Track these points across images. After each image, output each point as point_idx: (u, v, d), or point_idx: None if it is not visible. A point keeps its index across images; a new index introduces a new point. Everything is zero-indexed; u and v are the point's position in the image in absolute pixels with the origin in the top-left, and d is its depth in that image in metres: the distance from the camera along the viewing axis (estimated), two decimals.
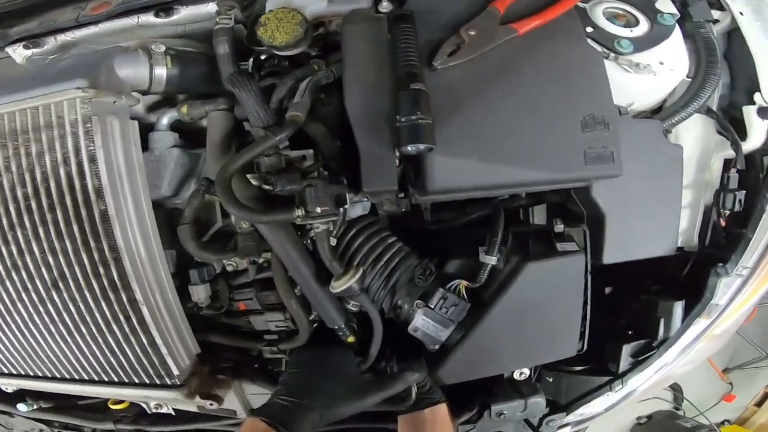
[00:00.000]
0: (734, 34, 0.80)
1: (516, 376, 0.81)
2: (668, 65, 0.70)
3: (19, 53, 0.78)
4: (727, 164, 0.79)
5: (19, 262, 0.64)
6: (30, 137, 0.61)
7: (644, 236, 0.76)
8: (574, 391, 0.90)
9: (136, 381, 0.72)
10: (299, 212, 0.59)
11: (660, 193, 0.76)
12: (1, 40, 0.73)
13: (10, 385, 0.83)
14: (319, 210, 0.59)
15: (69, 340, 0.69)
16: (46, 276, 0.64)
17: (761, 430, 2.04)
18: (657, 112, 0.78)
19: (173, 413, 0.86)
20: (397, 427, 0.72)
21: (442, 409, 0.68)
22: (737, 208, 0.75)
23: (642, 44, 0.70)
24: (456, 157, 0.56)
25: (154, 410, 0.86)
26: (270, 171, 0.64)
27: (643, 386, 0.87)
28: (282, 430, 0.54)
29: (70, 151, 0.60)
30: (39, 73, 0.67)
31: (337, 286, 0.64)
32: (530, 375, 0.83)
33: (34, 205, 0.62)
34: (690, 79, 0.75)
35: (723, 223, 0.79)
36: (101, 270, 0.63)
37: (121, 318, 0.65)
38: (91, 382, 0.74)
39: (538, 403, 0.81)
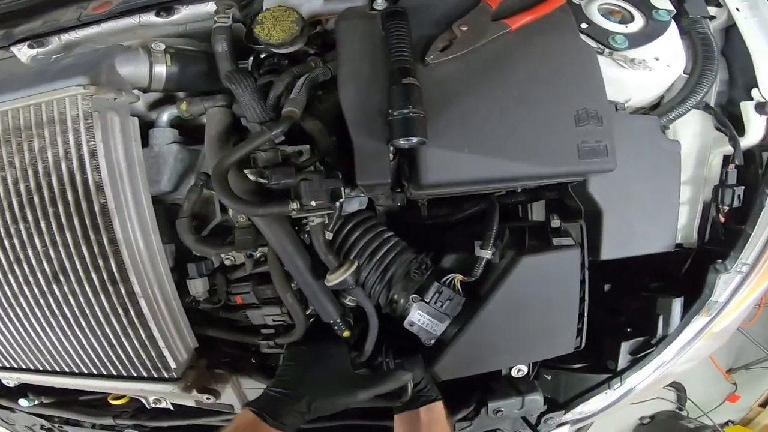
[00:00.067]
0: (732, 30, 0.80)
1: (514, 373, 0.81)
2: (664, 61, 0.70)
3: (24, 52, 0.80)
4: (726, 160, 0.79)
5: (22, 256, 0.66)
6: (33, 133, 0.63)
7: (642, 232, 0.76)
8: (573, 389, 0.90)
9: (134, 374, 0.73)
10: (294, 205, 0.60)
11: (658, 189, 0.75)
12: (6, 39, 0.75)
13: (11, 379, 0.85)
14: (313, 203, 0.60)
15: (69, 333, 0.70)
16: (47, 269, 0.66)
17: (766, 431, 2.01)
18: (655, 108, 0.78)
19: (172, 408, 0.87)
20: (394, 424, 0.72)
21: (438, 407, 0.68)
22: (736, 203, 0.75)
23: (637, 40, 0.70)
24: (448, 150, 0.57)
25: (153, 405, 0.87)
26: (267, 166, 0.65)
27: (642, 384, 0.86)
28: (268, 419, 0.56)
29: (71, 146, 0.61)
30: (42, 71, 0.69)
31: (332, 279, 0.65)
32: (528, 372, 0.82)
33: (36, 199, 0.64)
34: (687, 75, 0.75)
35: (722, 219, 0.78)
36: (101, 263, 0.64)
37: (120, 311, 0.66)
38: (90, 375, 0.75)
39: (536, 400, 0.80)
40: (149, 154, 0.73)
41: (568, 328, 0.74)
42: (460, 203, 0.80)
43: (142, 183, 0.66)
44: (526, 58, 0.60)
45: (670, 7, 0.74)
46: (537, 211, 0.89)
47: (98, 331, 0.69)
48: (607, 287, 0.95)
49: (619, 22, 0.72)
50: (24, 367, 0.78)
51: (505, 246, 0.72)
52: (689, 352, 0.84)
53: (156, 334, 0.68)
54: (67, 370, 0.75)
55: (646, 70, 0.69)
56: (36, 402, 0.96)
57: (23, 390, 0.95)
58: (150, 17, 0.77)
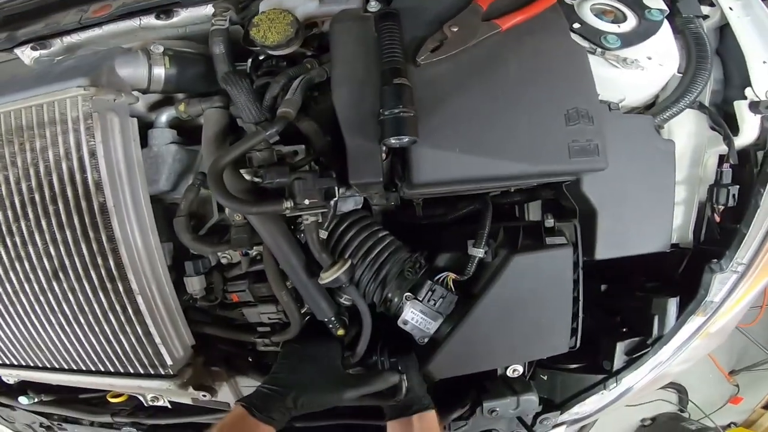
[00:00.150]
0: (726, 29, 0.80)
1: (509, 373, 0.81)
2: (657, 60, 0.71)
3: (27, 54, 0.82)
4: (721, 159, 0.79)
5: (23, 253, 0.67)
6: (35, 133, 0.64)
7: (637, 232, 0.76)
8: (569, 389, 0.89)
9: (132, 371, 0.74)
10: (288, 204, 0.60)
11: (653, 188, 0.76)
12: (9, 42, 0.77)
13: (11, 376, 0.86)
14: (307, 202, 0.61)
15: (68, 329, 0.71)
16: (47, 266, 0.67)
17: None
18: (650, 108, 0.79)
19: (169, 406, 0.88)
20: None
21: (431, 415, 0.69)
22: (731, 203, 0.75)
23: (629, 39, 0.70)
24: (440, 149, 0.57)
25: (151, 403, 0.88)
26: (262, 165, 0.66)
27: (639, 384, 0.86)
28: (256, 412, 0.58)
29: (71, 146, 0.63)
30: (44, 72, 0.70)
31: (326, 277, 0.66)
32: (524, 372, 0.82)
33: (37, 198, 0.65)
34: (681, 75, 0.75)
35: (717, 219, 0.78)
36: (99, 260, 0.65)
37: (118, 308, 0.67)
38: (89, 372, 0.76)
39: (531, 400, 0.80)
40: (148, 154, 0.74)
41: (562, 328, 0.74)
42: (454, 203, 0.80)
43: (141, 182, 0.68)
44: (516, 58, 0.60)
45: (663, 6, 0.75)
46: (533, 211, 0.90)
47: (96, 328, 0.70)
48: (603, 287, 0.94)
49: (612, 22, 0.72)
50: (23, 364, 0.79)
51: (499, 245, 0.72)
52: (686, 352, 0.84)
53: (153, 331, 0.69)
54: (66, 367, 0.76)
55: (639, 69, 0.69)
56: (36, 400, 0.97)
57: (23, 388, 0.96)
58: (150, 20, 0.78)
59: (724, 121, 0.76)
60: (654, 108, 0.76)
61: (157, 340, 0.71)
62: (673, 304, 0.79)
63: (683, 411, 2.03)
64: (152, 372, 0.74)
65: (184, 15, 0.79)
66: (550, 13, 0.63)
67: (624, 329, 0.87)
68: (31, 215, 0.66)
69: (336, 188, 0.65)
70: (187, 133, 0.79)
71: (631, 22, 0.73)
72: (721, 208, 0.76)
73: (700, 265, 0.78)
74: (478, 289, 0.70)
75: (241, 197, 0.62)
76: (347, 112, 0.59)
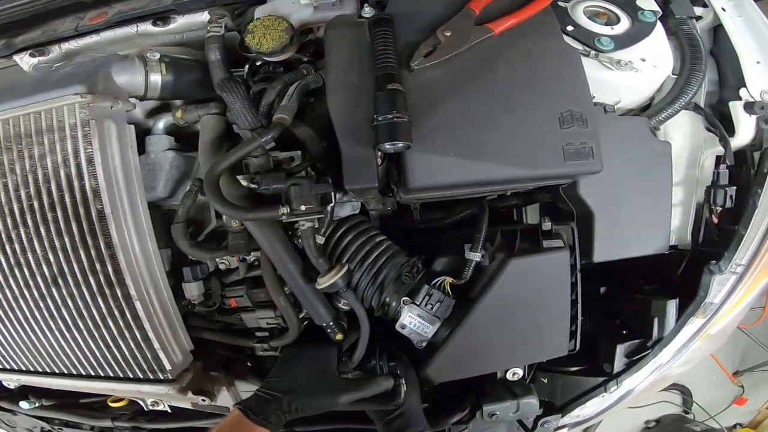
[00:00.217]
0: (719, 30, 0.80)
1: (509, 376, 0.81)
2: (651, 62, 0.71)
3: (26, 61, 0.83)
4: (718, 161, 0.79)
5: (22, 260, 0.68)
6: (33, 140, 0.65)
7: (635, 234, 0.75)
8: (569, 392, 0.89)
9: (131, 376, 0.74)
10: (284, 210, 0.61)
11: (650, 190, 0.75)
12: (7, 49, 0.78)
13: (11, 381, 0.86)
14: (303, 208, 0.61)
15: (67, 335, 0.71)
16: (46, 272, 0.67)
17: None
18: (646, 110, 0.79)
19: (169, 411, 0.88)
20: None
21: None
22: (728, 204, 0.74)
23: (623, 41, 0.71)
24: (434, 154, 0.58)
25: (151, 407, 0.89)
26: (258, 171, 0.67)
27: (640, 387, 0.86)
28: (252, 416, 0.59)
29: (69, 153, 0.63)
30: (42, 79, 0.71)
31: (323, 282, 0.66)
32: (524, 375, 0.82)
33: (36, 205, 0.65)
34: (675, 76, 0.75)
35: (715, 220, 0.78)
36: (98, 266, 0.66)
37: (116, 313, 0.68)
38: (88, 377, 0.76)
39: (531, 404, 0.80)
40: (146, 160, 0.75)
41: (561, 331, 0.74)
42: (451, 207, 0.80)
43: (139, 189, 0.68)
44: (509, 61, 0.61)
45: (656, 8, 0.75)
46: (531, 215, 0.90)
47: (95, 333, 0.70)
48: (602, 290, 0.94)
49: (605, 24, 0.73)
50: (24, 368, 0.80)
51: (496, 249, 0.72)
52: (686, 354, 0.83)
53: (151, 336, 0.70)
54: (66, 372, 0.77)
55: (633, 71, 0.69)
56: (36, 404, 0.98)
57: (24, 392, 0.97)
58: (147, 27, 0.79)
59: (720, 122, 0.76)
60: (649, 110, 0.76)
61: (156, 345, 0.71)
62: (672, 306, 0.79)
63: (688, 412, 2.01)
64: (151, 377, 0.74)
65: (180, 22, 0.79)
66: (543, 16, 0.64)
67: (624, 332, 0.86)
68: (30, 222, 0.66)
69: (332, 194, 0.65)
70: (184, 139, 0.80)
71: (624, 24, 0.73)
72: (719, 209, 0.75)
73: (699, 266, 0.78)
74: (475, 293, 0.70)
75: (237, 203, 0.62)
76: (342, 118, 0.59)
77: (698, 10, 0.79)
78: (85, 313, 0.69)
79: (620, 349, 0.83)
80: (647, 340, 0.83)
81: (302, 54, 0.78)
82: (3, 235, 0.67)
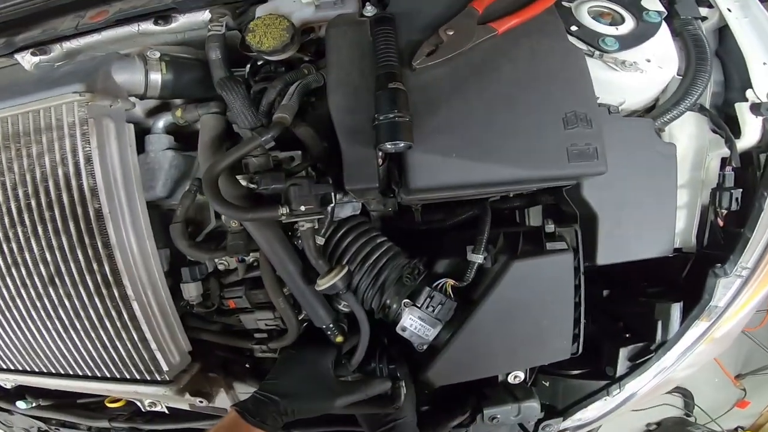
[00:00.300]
0: (725, 31, 0.79)
1: (510, 379, 0.80)
2: (656, 63, 0.70)
3: (27, 60, 0.82)
4: (724, 162, 0.78)
5: (19, 259, 0.67)
6: (31, 139, 0.64)
7: (639, 237, 0.75)
8: (571, 395, 0.88)
9: (128, 376, 0.73)
10: (284, 210, 0.60)
11: (654, 192, 0.75)
12: (8, 47, 0.77)
13: (8, 381, 0.86)
14: (303, 208, 0.60)
15: (64, 335, 0.71)
16: (43, 272, 0.67)
17: None
18: (650, 111, 0.78)
19: (167, 412, 0.87)
20: None
21: None
22: (734, 206, 0.74)
23: (628, 42, 0.70)
24: (436, 155, 0.57)
25: (149, 408, 0.88)
26: (258, 171, 0.66)
27: (643, 390, 0.85)
28: (249, 417, 0.58)
29: (67, 152, 0.63)
30: (41, 78, 0.71)
31: (322, 284, 0.65)
32: (525, 378, 0.81)
33: (33, 204, 0.65)
34: (681, 77, 0.75)
35: (720, 223, 0.77)
36: (95, 266, 0.65)
37: (113, 313, 0.67)
38: (85, 377, 0.75)
39: (533, 407, 0.79)
40: (145, 160, 0.74)
41: (564, 334, 0.73)
42: (453, 208, 0.79)
43: (137, 188, 0.68)
44: (513, 61, 0.60)
45: (661, 8, 0.74)
46: (534, 216, 0.89)
47: (92, 334, 0.70)
48: (605, 292, 0.93)
49: (610, 24, 0.72)
50: (20, 368, 0.79)
51: (499, 251, 0.72)
52: (690, 357, 0.82)
53: (148, 336, 0.69)
54: (63, 372, 0.76)
55: (638, 72, 0.69)
56: (34, 404, 0.97)
57: (21, 392, 0.96)
58: (149, 25, 0.79)
59: (726, 123, 0.75)
60: (654, 111, 0.75)
61: (153, 345, 0.70)
62: (676, 309, 0.78)
63: (689, 415, 2.00)
64: (148, 378, 0.74)
65: (182, 20, 0.79)
66: (547, 16, 0.63)
67: (627, 335, 0.85)
68: (27, 221, 0.66)
69: (333, 194, 0.64)
70: (184, 138, 0.79)
71: (629, 24, 0.73)
72: (725, 211, 0.74)
73: (704, 269, 0.77)
74: (477, 296, 0.70)
75: (236, 203, 0.62)
76: (342, 118, 0.58)
77: (703, 11, 0.79)
78: (82, 313, 0.68)
79: (623, 353, 0.82)
80: (651, 344, 0.82)
81: (304, 53, 0.77)
82: (0, 234, 0.66)
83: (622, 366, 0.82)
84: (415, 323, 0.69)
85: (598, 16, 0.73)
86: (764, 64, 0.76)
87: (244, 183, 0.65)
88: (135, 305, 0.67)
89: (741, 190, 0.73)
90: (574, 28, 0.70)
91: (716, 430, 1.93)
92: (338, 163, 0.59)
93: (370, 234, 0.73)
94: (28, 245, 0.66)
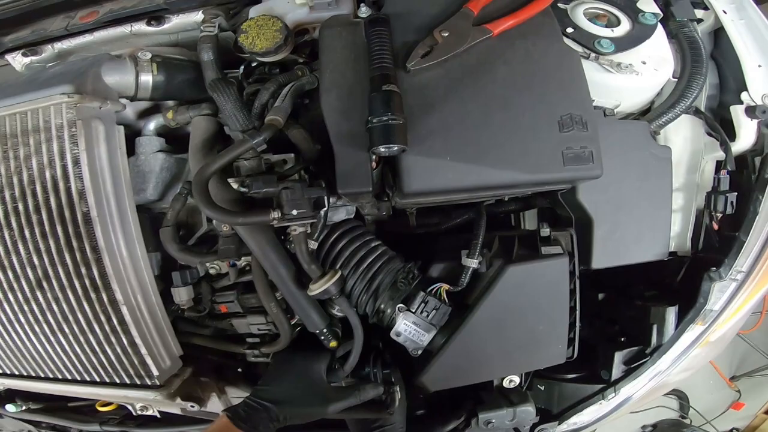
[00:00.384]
0: (720, 32, 0.79)
1: (505, 383, 0.79)
2: (651, 65, 0.70)
3: (18, 61, 0.81)
4: (719, 166, 0.78)
5: (6, 262, 0.66)
6: (19, 141, 0.63)
7: (634, 240, 0.74)
8: (567, 399, 0.88)
9: (117, 381, 0.72)
10: (275, 214, 0.59)
11: (649, 196, 0.74)
12: None
13: None
14: (295, 212, 0.59)
15: (52, 339, 0.69)
16: (30, 275, 0.66)
17: None
18: (646, 113, 0.78)
19: (158, 416, 0.86)
20: None
21: None
22: (729, 210, 0.73)
23: (623, 44, 0.69)
24: (430, 158, 0.56)
25: (140, 412, 0.86)
26: (250, 174, 0.65)
27: (638, 394, 0.84)
28: (240, 423, 0.58)
29: (55, 154, 0.62)
30: (30, 79, 0.69)
31: (315, 289, 0.64)
32: (520, 383, 0.81)
33: (20, 207, 0.64)
34: (676, 80, 0.74)
35: (715, 227, 0.77)
36: (83, 270, 0.64)
37: (102, 318, 0.66)
38: (74, 381, 0.74)
39: (528, 411, 0.78)
40: (135, 162, 0.73)
41: (559, 338, 0.72)
42: (448, 212, 0.79)
43: (127, 192, 0.66)
44: (508, 63, 0.59)
45: (657, 10, 0.74)
46: (529, 220, 0.89)
47: (81, 338, 0.68)
48: (601, 296, 0.93)
49: (605, 26, 0.72)
50: (8, 372, 0.78)
51: (494, 255, 0.71)
52: (685, 361, 0.82)
53: (138, 341, 0.68)
54: (51, 376, 0.75)
55: (634, 74, 0.68)
56: (24, 407, 0.96)
57: (11, 395, 0.95)
58: (141, 26, 0.78)
59: (721, 126, 0.75)
60: (649, 114, 0.75)
61: (143, 350, 0.69)
62: (671, 313, 0.78)
63: (684, 417, 2.01)
64: (138, 382, 0.72)
65: (175, 21, 0.78)
66: (543, 18, 0.62)
67: (622, 338, 0.85)
68: (14, 224, 0.64)
69: (326, 198, 0.63)
70: (176, 141, 0.78)
71: (624, 26, 0.72)
72: (720, 215, 0.74)
73: (699, 273, 0.77)
74: (472, 300, 0.69)
75: (227, 207, 0.61)
76: (336, 120, 0.58)
77: (699, 13, 0.79)
78: (70, 317, 0.67)
79: (618, 357, 0.82)
80: (646, 347, 0.81)
81: (298, 55, 0.76)
82: None
83: (617, 370, 0.82)
84: (409, 328, 0.69)
85: (593, 17, 0.73)
86: (759, 66, 0.76)
87: (235, 186, 0.64)
88: (124, 309, 0.66)
89: (736, 193, 0.73)
90: (569, 29, 0.70)
91: None
92: (332, 166, 0.58)
93: (364, 238, 0.73)
94: (15, 249, 0.65)
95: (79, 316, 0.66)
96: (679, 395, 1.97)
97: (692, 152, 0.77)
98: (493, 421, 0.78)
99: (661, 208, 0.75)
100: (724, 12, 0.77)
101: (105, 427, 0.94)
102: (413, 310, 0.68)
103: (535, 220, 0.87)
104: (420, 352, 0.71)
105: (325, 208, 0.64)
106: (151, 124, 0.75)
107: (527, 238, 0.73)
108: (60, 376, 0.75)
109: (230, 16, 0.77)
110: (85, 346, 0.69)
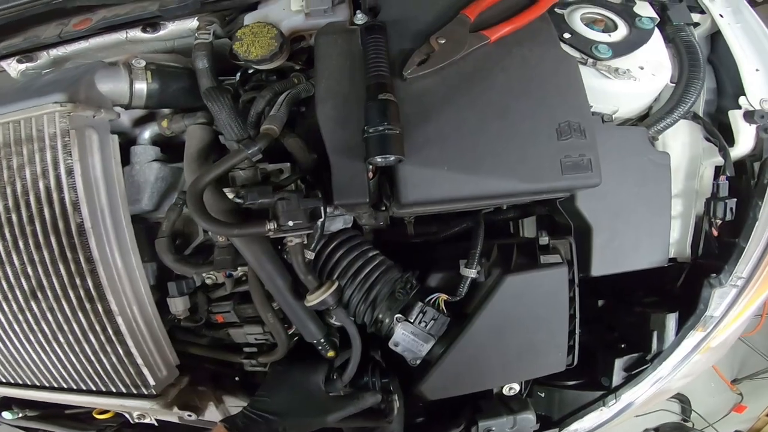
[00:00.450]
0: (717, 36, 0.79)
1: (505, 391, 0.79)
2: (649, 70, 0.69)
3: (13, 68, 0.80)
4: (718, 171, 0.77)
5: (0, 272, 0.65)
6: (12, 150, 0.62)
7: (634, 247, 0.74)
8: (567, 406, 0.87)
9: (114, 390, 0.71)
10: (271, 225, 0.58)
11: (648, 202, 0.74)
12: None
13: None
14: (291, 223, 0.59)
15: (48, 348, 0.69)
16: (25, 286, 0.65)
17: None
18: (644, 119, 0.77)
19: (156, 424, 0.85)
20: None
21: None
22: (729, 217, 0.73)
23: (621, 49, 0.69)
24: (428, 168, 0.56)
25: (137, 420, 0.86)
26: (245, 184, 0.64)
27: (639, 400, 0.84)
28: None
29: (48, 164, 0.61)
30: (23, 87, 0.69)
31: (312, 300, 0.63)
32: (520, 390, 0.80)
33: (14, 218, 0.63)
34: (674, 84, 0.74)
35: (715, 233, 0.76)
36: (77, 281, 0.63)
37: (97, 328, 0.65)
38: (71, 390, 0.73)
39: (528, 419, 0.78)
40: (130, 172, 0.72)
41: (559, 347, 0.72)
42: (446, 220, 0.78)
43: (122, 202, 0.66)
44: (505, 70, 0.59)
45: (654, 14, 0.73)
46: (528, 227, 0.88)
47: (76, 347, 0.68)
48: (601, 303, 0.92)
49: (603, 31, 0.71)
50: (4, 380, 0.77)
51: (492, 264, 0.71)
52: (686, 367, 0.82)
53: (134, 351, 0.67)
54: (47, 385, 0.74)
55: (631, 79, 0.68)
56: (20, 415, 0.95)
57: (7, 402, 0.94)
58: (137, 33, 0.77)
59: (719, 131, 0.75)
60: (647, 119, 0.74)
61: (139, 360, 0.68)
62: (672, 320, 0.77)
63: (687, 421, 2.00)
64: (135, 391, 0.72)
65: (171, 28, 0.77)
66: (540, 23, 0.62)
67: (622, 345, 0.84)
68: (8, 235, 0.64)
69: (322, 208, 0.63)
70: (171, 150, 0.78)
71: (621, 31, 0.72)
72: (719, 221, 0.74)
73: (699, 279, 0.76)
74: (471, 310, 0.68)
75: (221, 219, 0.60)
76: (331, 129, 0.57)
77: (696, 17, 0.78)
78: (65, 327, 0.67)
79: (618, 363, 0.81)
80: (646, 354, 0.81)
81: (295, 62, 0.76)
82: None
83: (617, 376, 0.81)
84: (407, 338, 0.68)
85: (591, 23, 0.72)
86: (757, 70, 0.75)
87: (231, 196, 0.64)
88: (119, 319, 0.65)
89: (735, 199, 0.72)
90: (567, 35, 0.69)
91: None
92: (328, 175, 0.57)
93: (361, 248, 0.72)
94: (9, 259, 0.64)
95: (74, 325, 0.66)
96: (681, 399, 1.96)
97: (691, 158, 0.77)
98: (493, 429, 0.77)
99: (660, 215, 0.74)
100: (721, 16, 0.76)
101: None
102: (411, 321, 0.68)
103: (534, 227, 0.86)
104: (419, 362, 0.71)
105: (322, 219, 0.64)
106: (146, 133, 0.75)
107: (526, 247, 0.72)
108: (56, 385, 0.74)
109: (226, 23, 0.77)
110: (81, 356, 0.68)
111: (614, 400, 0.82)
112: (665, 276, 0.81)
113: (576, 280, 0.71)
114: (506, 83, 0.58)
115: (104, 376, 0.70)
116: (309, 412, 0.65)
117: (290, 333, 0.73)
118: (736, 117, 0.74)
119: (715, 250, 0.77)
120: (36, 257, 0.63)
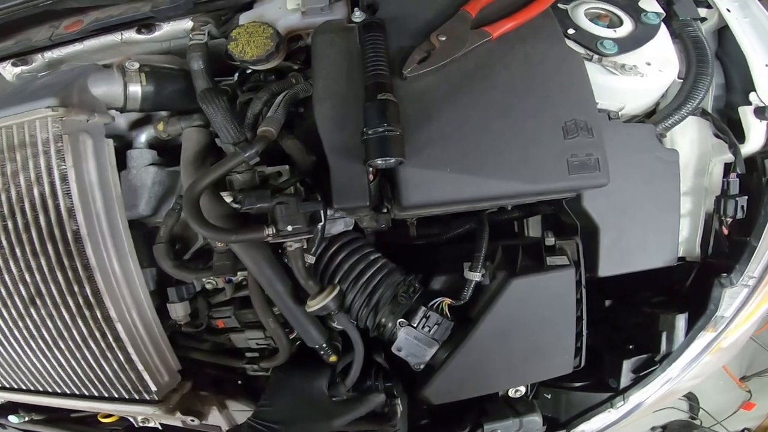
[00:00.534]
0: (724, 31, 0.76)
1: (511, 393, 0.78)
2: (656, 66, 0.67)
3: (8, 71, 0.79)
4: (728, 169, 0.75)
5: None
6: (5, 156, 0.61)
7: (642, 247, 0.72)
8: (574, 407, 0.86)
9: (116, 396, 0.71)
10: (270, 231, 0.57)
11: (656, 201, 0.72)
12: None
13: None
14: (290, 228, 0.57)
15: (48, 354, 0.68)
16: (23, 293, 0.64)
17: None
18: (651, 116, 0.75)
19: (160, 428, 0.85)
20: None
21: None
22: (739, 215, 0.71)
23: (626, 45, 0.67)
24: (429, 169, 0.54)
25: (142, 424, 0.85)
26: (243, 188, 0.63)
27: (647, 402, 0.82)
28: None
29: (42, 170, 0.60)
30: (16, 91, 0.68)
31: (312, 305, 0.62)
32: (526, 392, 0.79)
33: (10, 225, 0.62)
34: (682, 80, 0.72)
35: (725, 231, 0.74)
36: (75, 288, 0.62)
37: (97, 334, 0.65)
38: (73, 396, 0.73)
39: (535, 421, 0.77)
40: (127, 176, 0.71)
41: (566, 349, 0.70)
42: (449, 222, 0.77)
43: (118, 207, 0.65)
44: (508, 67, 0.57)
45: (659, 9, 0.71)
46: (533, 227, 0.87)
47: (77, 354, 0.67)
48: (608, 303, 0.91)
49: (608, 27, 0.69)
50: (8, 386, 0.77)
51: (497, 266, 0.69)
52: (696, 368, 0.80)
53: (134, 357, 0.66)
54: (50, 390, 0.74)
55: (638, 75, 0.66)
56: (26, 419, 0.95)
57: (13, 406, 0.94)
58: (132, 34, 0.75)
59: (729, 127, 0.73)
60: (655, 116, 0.72)
61: (140, 366, 0.68)
62: (681, 321, 0.76)
63: (695, 418, 1.98)
64: (137, 397, 0.71)
65: (166, 29, 0.76)
66: (544, 19, 0.60)
67: (630, 346, 0.83)
68: (4, 243, 0.63)
69: (321, 212, 0.61)
70: (169, 152, 0.76)
71: (627, 26, 0.70)
72: (729, 220, 0.72)
73: (709, 279, 0.74)
74: (475, 314, 0.67)
75: (220, 223, 0.59)
76: (330, 131, 0.55)
77: (702, 12, 0.76)
78: (65, 334, 0.66)
79: (627, 365, 0.80)
80: (655, 355, 0.79)
81: (292, 62, 0.74)
82: None
83: (625, 378, 0.80)
84: (411, 343, 0.67)
85: (595, 18, 0.70)
86: (766, 65, 0.73)
87: (228, 200, 0.62)
88: (119, 326, 0.64)
89: (746, 197, 0.70)
90: (571, 31, 0.67)
91: None
92: (328, 177, 0.56)
93: (363, 251, 0.71)
94: (7, 266, 0.64)
95: (74, 332, 0.65)
96: (689, 396, 1.94)
97: (700, 155, 0.75)
98: (499, 431, 0.76)
99: (668, 213, 0.72)
100: (728, 10, 0.74)
101: None
102: (414, 325, 0.66)
103: (539, 226, 0.85)
104: (422, 366, 0.70)
105: (322, 223, 0.62)
106: (143, 136, 0.73)
107: (532, 248, 0.70)
108: (59, 391, 0.74)
109: (221, 23, 0.75)
110: (82, 362, 0.68)
111: (622, 402, 0.81)
112: (674, 276, 0.80)
113: (583, 282, 0.69)
114: (509, 81, 0.57)
115: (106, 382, 0.70)
116: (314, 418, 0.64)
117: (292, 338, 0.72)
118: (746, 113, 0.72)
119: (726, 249, 0.75)
120: (34, 264, 0.62)
